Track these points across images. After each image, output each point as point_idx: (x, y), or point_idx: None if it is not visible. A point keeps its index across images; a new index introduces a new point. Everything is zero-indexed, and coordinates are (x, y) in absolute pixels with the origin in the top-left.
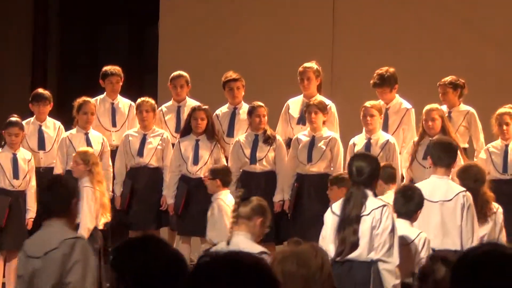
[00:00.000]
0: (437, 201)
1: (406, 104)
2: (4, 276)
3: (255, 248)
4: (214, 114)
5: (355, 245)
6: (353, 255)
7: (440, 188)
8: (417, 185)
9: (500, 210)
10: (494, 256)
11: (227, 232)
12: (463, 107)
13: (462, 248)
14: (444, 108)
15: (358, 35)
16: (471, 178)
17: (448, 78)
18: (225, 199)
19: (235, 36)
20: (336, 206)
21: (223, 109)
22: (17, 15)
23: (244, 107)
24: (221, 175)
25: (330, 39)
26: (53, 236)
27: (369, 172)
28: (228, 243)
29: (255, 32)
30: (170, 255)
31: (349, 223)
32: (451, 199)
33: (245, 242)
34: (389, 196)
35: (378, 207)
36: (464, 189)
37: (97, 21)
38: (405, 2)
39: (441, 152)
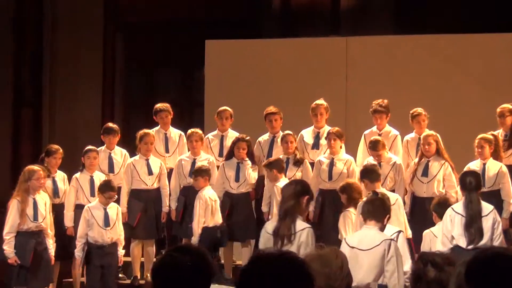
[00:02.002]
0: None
1: (394, 131)
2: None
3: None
4: (257, 141)
5: (481, 236)
6: (481, 244)
7: None
8: None
9: None
10: (503, 257)
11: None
12: (428, 132)
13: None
14: (412, 134)
15: (367, 75)
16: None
17: (419, 110)
18: (206, 194)
19: (267, 77)
20: (458, 207)
21: (264, 137)
22: (89, 63)
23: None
24: (205, 174)
25: (343, 78)
26: (375, 236)
27: (476, 183)
28: None
29: (284, 73)
30: (199, 260)
31: (475, 220)
32: None
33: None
34: None
35: (492, 210)
36: None
37: (154, 65)
38: (406, 46)
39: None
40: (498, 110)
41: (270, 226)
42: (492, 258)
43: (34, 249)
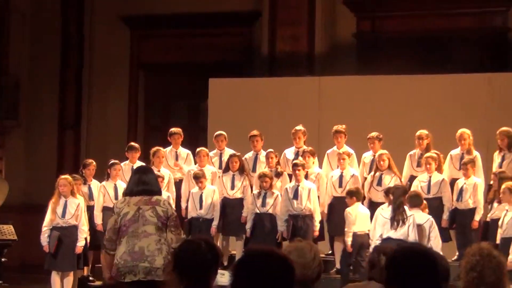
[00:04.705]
0: None
1: (350, 150)
2: None
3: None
4: (244, 157)
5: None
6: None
7: None
8: None
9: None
10: (414, 251)
11: None
12: (382, 151)
13: None
14: (371, 153)
15: (336, 107)
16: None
17: (374, 134)
18: None
19: (257, 107)
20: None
21: (249, 155)
22: (118, 96)
23: (263, 153)
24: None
25: (317, 109)
26: (422, 216)
27: (403, 192)
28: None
29: (270, 105)
30: (210, 251)
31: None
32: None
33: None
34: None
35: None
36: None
37: (168, 98)
38: (368, 84)
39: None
40: (417, 133)
41: (385, 213)
42: (405, 252)
43: (59, 239)
